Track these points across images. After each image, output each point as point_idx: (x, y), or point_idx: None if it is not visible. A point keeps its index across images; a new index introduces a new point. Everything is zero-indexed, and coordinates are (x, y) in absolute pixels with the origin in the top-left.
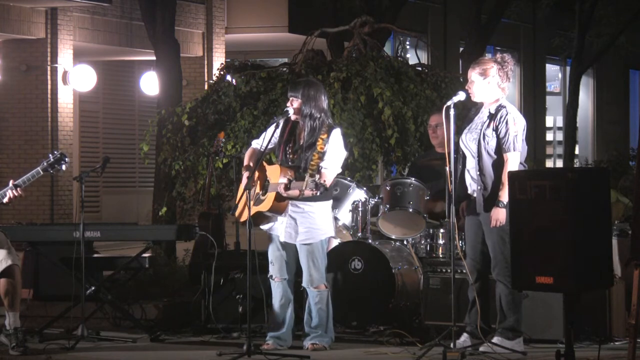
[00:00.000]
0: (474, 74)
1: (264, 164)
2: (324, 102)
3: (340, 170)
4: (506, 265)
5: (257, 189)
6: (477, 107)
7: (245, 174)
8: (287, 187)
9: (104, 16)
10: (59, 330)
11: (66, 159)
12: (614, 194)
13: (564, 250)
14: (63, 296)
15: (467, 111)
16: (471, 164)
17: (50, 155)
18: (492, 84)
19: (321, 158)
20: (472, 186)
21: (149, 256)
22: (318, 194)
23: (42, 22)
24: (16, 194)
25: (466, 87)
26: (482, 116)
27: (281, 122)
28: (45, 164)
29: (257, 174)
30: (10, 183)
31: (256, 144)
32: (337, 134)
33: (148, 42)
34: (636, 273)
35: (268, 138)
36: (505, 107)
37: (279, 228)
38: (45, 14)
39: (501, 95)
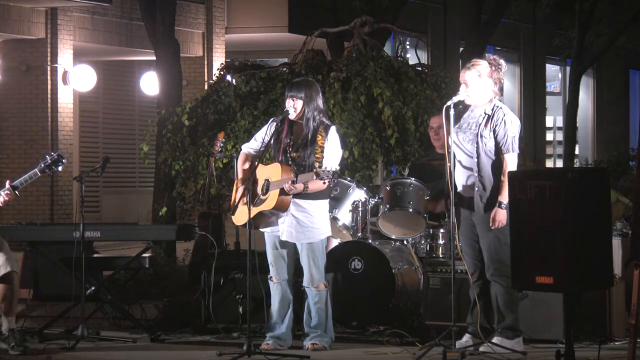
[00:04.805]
0: (468, 75)
1: (260, 165)
2: (322, 102)
3: (338, 168)
4: (501, 265)
5: (258, 190)
6: (465, 105)
7: (242, 188)
8: (294, 182)
9: (104, 16)
10: (59, 330)
11: (63, 160)
12: (614, 194)
13: (564, 250)
14: (63, 296)
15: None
16: (467, 163)
17: (47, 156)
18: (486, 86)
19: (323, 152)
20: (465, 180)
21: (149, 256)
22: (334, 181)
23: (42, 22)
24: (12, 197)
25: (460, 89)
26: (475, 116)
27: (279, 123)
28: (42, 165)
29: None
30: (7, 184)
31: (248, 148)
32: (333, 132)
33: (148, 42)
34: (636, 273)
35: (267, 140)
36: (501, 108)
37: (281, 227)
38: (45, 14)
39: (494, 96)
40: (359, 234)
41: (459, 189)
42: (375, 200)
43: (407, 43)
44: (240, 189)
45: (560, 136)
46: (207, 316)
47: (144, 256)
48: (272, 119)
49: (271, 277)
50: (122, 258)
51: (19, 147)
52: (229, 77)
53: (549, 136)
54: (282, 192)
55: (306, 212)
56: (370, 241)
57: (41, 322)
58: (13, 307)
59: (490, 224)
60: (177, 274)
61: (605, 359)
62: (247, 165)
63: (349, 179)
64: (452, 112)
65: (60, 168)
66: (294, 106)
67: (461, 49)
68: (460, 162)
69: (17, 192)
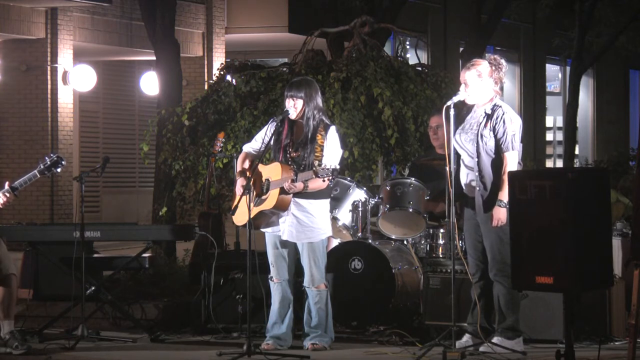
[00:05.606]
0: (468, 74)
1: (260, 165)
2: (320, 101)
3: (338, 167)
4: (504, 266)
5: (256, 191)
6: (468, 106)
7: (240, 180)
8: (294, 180)
9: (104, 16)
10: (59, 330)
11: (63, 162)
12: (614, 194)
13: (564, 250)
14: (63, 296)
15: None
16: (469, 163)
17: (46, 158)
18: (486, 85)
19: (323, 150)
20: (468, 180)
21: (149, 256)
22: (333, 179)
23: (42, 22)
24: (11, 198)
25: (460, 89)
26: (477, 116)
27: (278, 122)
28: (42, 166)
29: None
30: (7, 185)
31: (249, 147)
32: (333, 131)
33: (148, 42)
34: (636, 273)
35: (267, 139)
36: (501, 106)
37: (282, 226)
38: (45, 14)
39: (494, 95)
40: (359, 234)
41: (463, 189)
42: (375, 200)
43: (407, 43)
44: (240, 187)
45: (560, 136)
46: (207, 316)
47: (144, 256)
48: (272, 119)
49: (271, 277)
50: (122, 258)
51: (19, 147)
52: (229, 77)
53: (549, 136)
54: (282, 191)
55: (307, 212)
56: (370, 241)
57: (41, 322)
58: (11, 311)
59: (490, 223)
60: (177, 274)
61: (605, 359)
62: (247, 164)
63: (349, 179)
64: (452, 112)
65: (59, 170)
66: (294, 106)
67: (461, 49)
68: (463, 161)
69: (16, 194)
